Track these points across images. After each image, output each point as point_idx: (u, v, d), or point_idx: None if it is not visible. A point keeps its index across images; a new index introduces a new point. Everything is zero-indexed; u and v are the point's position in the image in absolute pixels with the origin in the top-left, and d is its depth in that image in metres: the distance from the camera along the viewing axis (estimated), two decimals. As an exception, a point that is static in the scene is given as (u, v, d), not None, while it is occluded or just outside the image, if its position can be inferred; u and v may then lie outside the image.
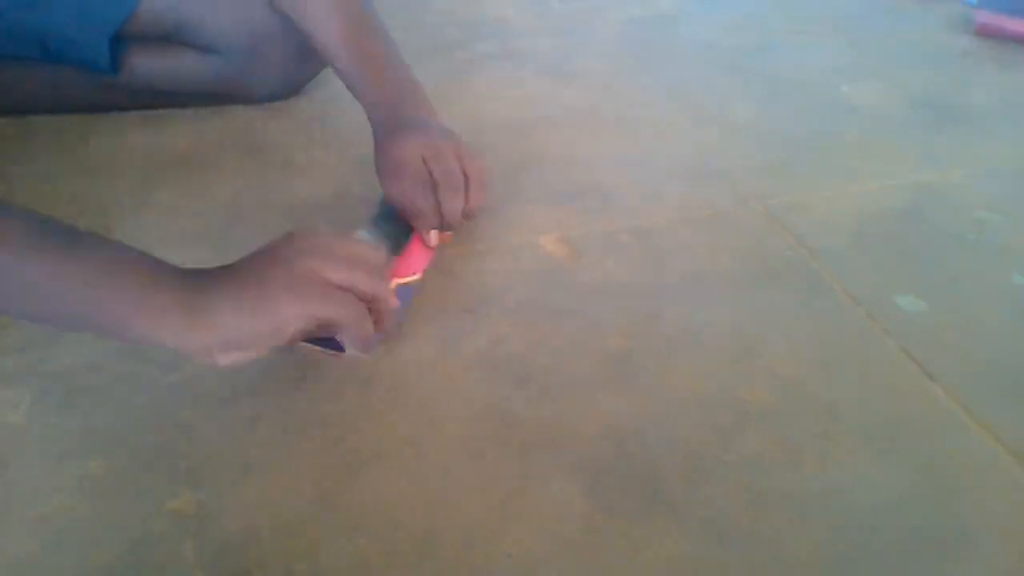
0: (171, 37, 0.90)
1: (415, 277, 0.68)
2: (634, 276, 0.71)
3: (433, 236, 0.71)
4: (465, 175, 0.71)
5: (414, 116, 0.74)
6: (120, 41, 0.89)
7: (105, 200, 0.80)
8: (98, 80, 0.91)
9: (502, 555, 0.48)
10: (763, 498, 0.52)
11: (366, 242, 0.59)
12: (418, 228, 0.71)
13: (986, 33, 1.22)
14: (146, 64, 0.91)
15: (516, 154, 0.89)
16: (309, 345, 0.61)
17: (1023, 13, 1.20)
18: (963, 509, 0.51)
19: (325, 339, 0.60)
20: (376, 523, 0.50)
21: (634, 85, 1.06)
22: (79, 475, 0.52)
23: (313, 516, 0.50)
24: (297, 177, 0.84)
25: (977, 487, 0.53)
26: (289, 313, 0.50)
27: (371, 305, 0.54)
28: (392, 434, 0.56)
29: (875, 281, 0.71)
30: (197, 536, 0.49)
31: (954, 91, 1.06)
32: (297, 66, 0.96)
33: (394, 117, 0.74)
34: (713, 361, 0.62)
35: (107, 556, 0.47)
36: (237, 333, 0.49)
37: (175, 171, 0.85)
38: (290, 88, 0.99)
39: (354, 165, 0.86)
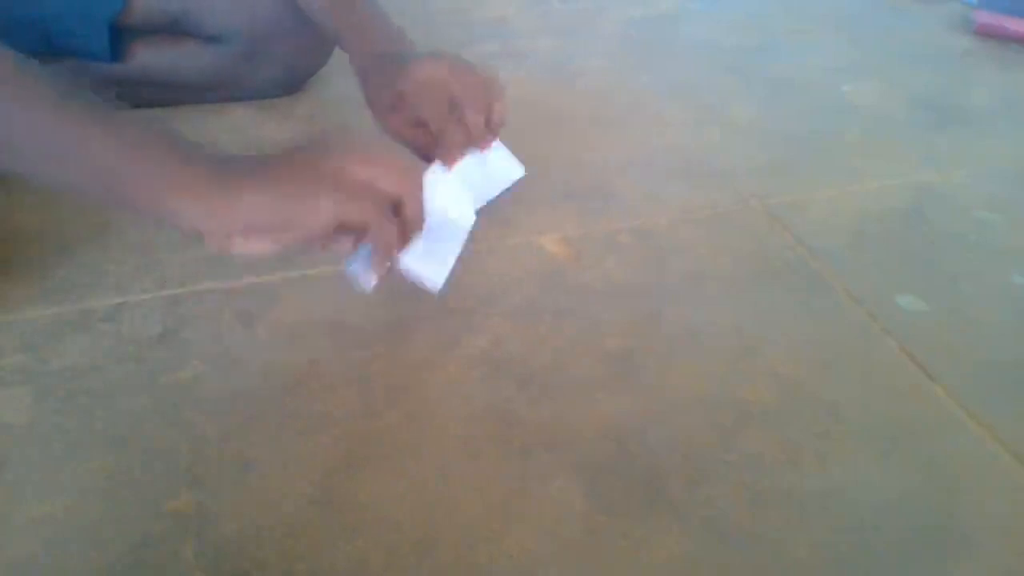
0: (173, 27, 0.90)
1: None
2: (634, 276, 0.71)
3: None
4: (484, 87, 0.69)
5: (407, 50, 0.73)
6: (122, 32, 0.89)
7: (105, 200, 0.80)
8: (100, 76, 0.91)
9: (502, 555, 0.48)
10: (764, 498, 0.52)
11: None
12: (441, 154, 0.67)
13: (986, 33, 1.22)
14: (148, 54, 0.91)
15: (516, 154, 0.89)
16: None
17: (1023, 13, 1.20)
18: (963, 509, 0.51)
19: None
20: (376, 523, 0.50)
21: (635, 85, 1.06)
22: (79, 475, 0.52)
23: (313, 516, 0.50)
24: (297, 177, 0.84)
25: (977, 487, 0.53)
26: (318, 203, 0.49)
27: (398, 208, 0.53)
28: (392, 434, 0.56)
29: (875, 281, 0.71)
30: (197, 536, 0.49)
31: (954, 91, 1.05)
32: (299, 58, 0.96)
33: (385, 54, 0.72)
34: (714, 361, 0.62)
35: (107, 556, 0.47)
36: (261, 215, 0.48)
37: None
38: (292, 82, 0.98)
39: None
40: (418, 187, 0.54)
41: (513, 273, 0.71)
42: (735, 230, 0.77)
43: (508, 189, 0.74)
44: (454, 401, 0.58)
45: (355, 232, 0.52)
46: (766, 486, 0.52)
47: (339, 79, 1.02)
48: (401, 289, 0.68)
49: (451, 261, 0.61)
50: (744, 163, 0.88)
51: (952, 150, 0.92)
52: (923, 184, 0.85)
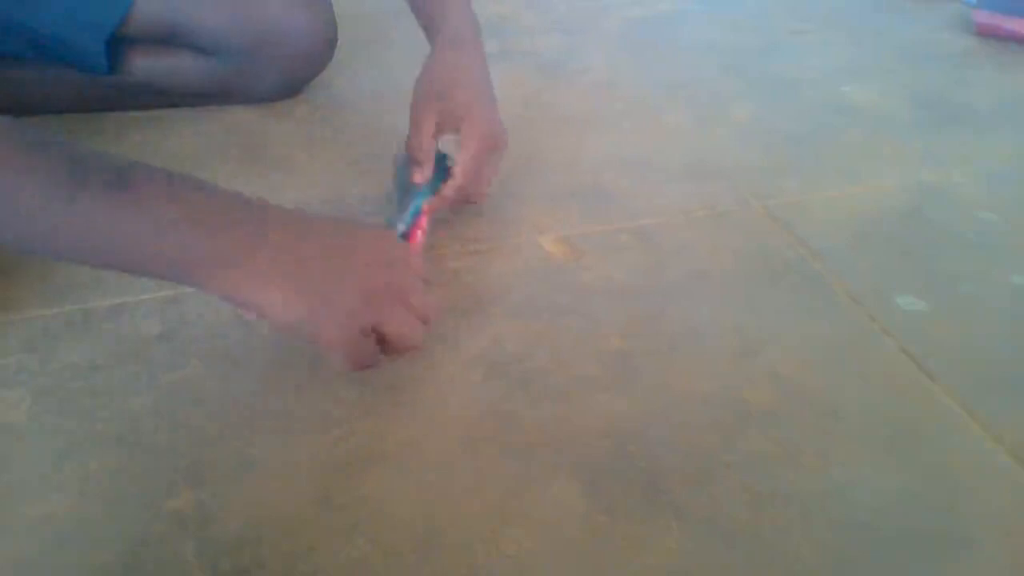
0: (169, 39, 0.90)
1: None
2: (635, 276, 0.71)
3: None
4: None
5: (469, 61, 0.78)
6: (118, 42, 0.89)
7: (105, 200, 0.80)
8: (94, 80, 0.90)
9: (502, 555, 0.48)
10: (764, 498, 0.52)
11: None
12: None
13: (986, 33, 1.22)
14: (144, 65, 0.91)
15: (516, 154, 0.89)
16: None
17: (1023, 13, 1.20)
18: (963, 509, 0.51)
19: None
20: (376, 523, 0.50)
21: (635, 85, 1.06)
22: (79, 475, 0.52)
23: (313, 516, 0.50)
24: (297, 177, 0.84)
25: (977, 487, 0.53)
26: (330, 338, 0.51)
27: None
28: (392, 434, 0.56)
29: (875, 281, 0.71)
30: (197, 536, 0.49)
31: (954, 91, 1.05)
32: (296, 67, 0.96)
33: (445, 60, 0.78)
34: (714, 361, 0.62)
35: (107, 556, 0.47)
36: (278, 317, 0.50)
37: (176, 171, 0.85)
38: (289, 89, 0.98)
39: (354, 165, 0.86)
40: (417, 334, 0.55)
41: (513, 273, 0.71)
42: (735, 230, 0.77)
43: None
44: (454, 401, 0.58)
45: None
46: (766, 486, 0.52)
47: (339, 80, 1.02)
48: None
49: None
50: (744, 163, 0.88)
51: (952, 150, 0.92)
52: (923, 184, 0.85)
